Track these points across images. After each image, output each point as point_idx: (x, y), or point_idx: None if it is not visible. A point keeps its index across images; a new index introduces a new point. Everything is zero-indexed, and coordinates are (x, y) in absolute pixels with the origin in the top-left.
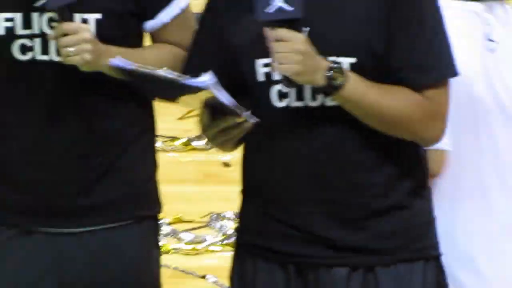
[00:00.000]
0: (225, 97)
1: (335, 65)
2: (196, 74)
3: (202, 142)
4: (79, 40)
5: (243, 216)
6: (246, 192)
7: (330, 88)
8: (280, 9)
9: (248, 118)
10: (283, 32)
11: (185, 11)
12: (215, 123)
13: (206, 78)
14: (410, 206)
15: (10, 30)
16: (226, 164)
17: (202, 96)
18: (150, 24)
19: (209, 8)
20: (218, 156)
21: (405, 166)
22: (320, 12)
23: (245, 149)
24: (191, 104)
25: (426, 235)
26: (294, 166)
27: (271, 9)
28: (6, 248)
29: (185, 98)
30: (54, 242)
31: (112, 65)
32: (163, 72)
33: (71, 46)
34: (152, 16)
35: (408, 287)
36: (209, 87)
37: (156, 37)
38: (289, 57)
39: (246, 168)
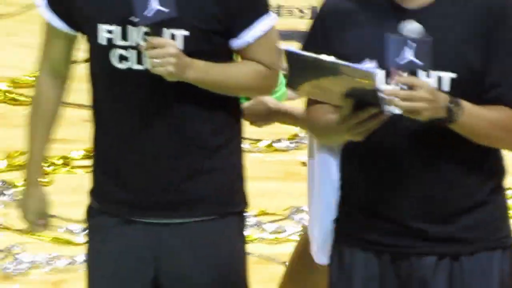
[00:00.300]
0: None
1: (453, 99)
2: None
3: (283, 144)
4: (165, 53)
5: (341, 209)
6: (345, 187)
7: (449, 119)
8: (411, 62)
9: (388, 110)
10: (414, 80)
11: (269, 32)
12: (355, 114)
13: (372, 65)
14: (492, 202)
15: (110, 41)
16: (305, 164)
17: (353, 84)
18: (235, 43)
19: (319, 20)
20: (298, 156)
21: (490, 168)
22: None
23: (343, 148)
24: (330, 96)
25: (504, 226)
26: (394, 167)
27: (402, 60)
28: (109, 235)
29: (327, 88)
30: (150, 231)
31: (284, 50)
32: (331, 58)
33: (158, 58)
34: (236, 35)
35: (489, 273)
36: (375, 72)
37: (242, 55)
38: (420, 105)
39: (345, 166)
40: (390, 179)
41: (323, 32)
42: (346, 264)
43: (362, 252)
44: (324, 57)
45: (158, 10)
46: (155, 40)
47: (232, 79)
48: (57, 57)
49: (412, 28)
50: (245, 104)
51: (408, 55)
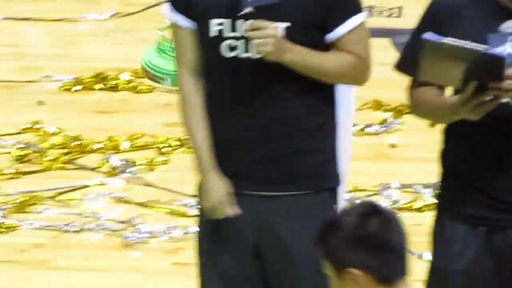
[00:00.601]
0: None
1: None
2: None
3: (374, 128)
4: (265, 34)
5: (445, 184)
6: (448, 163)
7: None
8: (510, 55)
9: (506, 94)
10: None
11: (360, 26)
12: (476, 96)
13: (501, 49)
14: None
15: (220, 33)
16: (393, 146)
17: (480, 68)
18: (330, 36)
19: (430, 13)
20: (386, 139)
21: None
22: None
23: (448, 128)
24: (452, 79)
25: None
26: (501, 147)
27: (503, 52)
28: None
29: (453, 72)
30: (251, 203)
31: (424, 38)
32: (468, 43)
33: (258, 38)
34: (331, 29)
35: None
36: (505, 56)
37: (336, 46)
38: None
39: (450, 144)
40: (495, 157)
41: (432, 24)
42: (447, 235)
43: (461, 224)
44: (464, 42)
45: None
46: (256, 22)
47: (325, 66)
48: (191, 56)
49: (509, 25)
50: None
51: (508, 49)
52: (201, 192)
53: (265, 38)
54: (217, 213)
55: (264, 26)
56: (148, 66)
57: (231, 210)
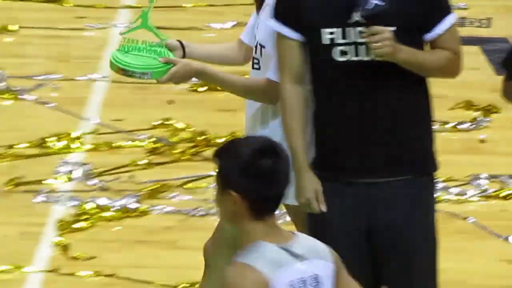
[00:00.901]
0: None
1: None
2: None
3: (465, 125)
4: (383, 38)
5: None
6: None
7: None
8: None
9: None
10: None
11: (453, 26)
12: None
13: None
14: None
15: (332, 40)
16: (482, 141)
17: None
18: (428, 36)
19: None
20: (476, 135)
21: None
22: None
23: None
24: None
25: None
26: None
27: None
28: (333, 197)
29: None
30: (368, 190)
31: None
32: None
33: (377, 41)
34: (430, 29)
35: None
36: None
37: (433, 45)
38: None
39: None
40: None
41: None
42: None
43: None
44: None
45: (376, 4)
46: (374, 28)
47: (429, 62)
48: (295, 64)
49: None
50: (173, 68)
51: None
52: (296, 189)
53: (383, 41)
54: (311, 208)
55: (381, 30)
56: (123, 64)
57: (319, 207)
